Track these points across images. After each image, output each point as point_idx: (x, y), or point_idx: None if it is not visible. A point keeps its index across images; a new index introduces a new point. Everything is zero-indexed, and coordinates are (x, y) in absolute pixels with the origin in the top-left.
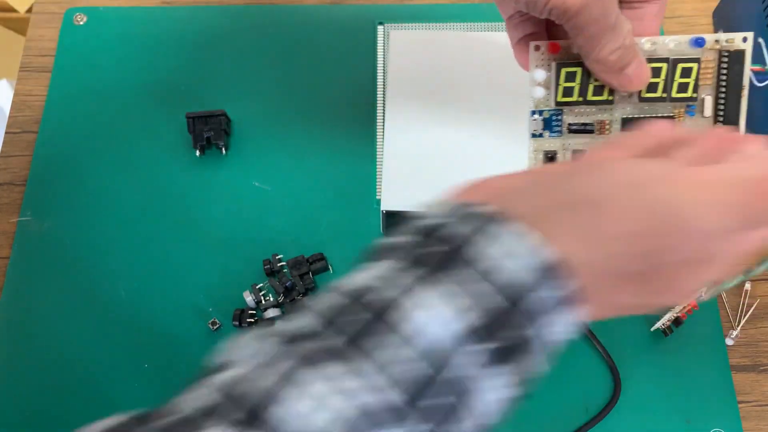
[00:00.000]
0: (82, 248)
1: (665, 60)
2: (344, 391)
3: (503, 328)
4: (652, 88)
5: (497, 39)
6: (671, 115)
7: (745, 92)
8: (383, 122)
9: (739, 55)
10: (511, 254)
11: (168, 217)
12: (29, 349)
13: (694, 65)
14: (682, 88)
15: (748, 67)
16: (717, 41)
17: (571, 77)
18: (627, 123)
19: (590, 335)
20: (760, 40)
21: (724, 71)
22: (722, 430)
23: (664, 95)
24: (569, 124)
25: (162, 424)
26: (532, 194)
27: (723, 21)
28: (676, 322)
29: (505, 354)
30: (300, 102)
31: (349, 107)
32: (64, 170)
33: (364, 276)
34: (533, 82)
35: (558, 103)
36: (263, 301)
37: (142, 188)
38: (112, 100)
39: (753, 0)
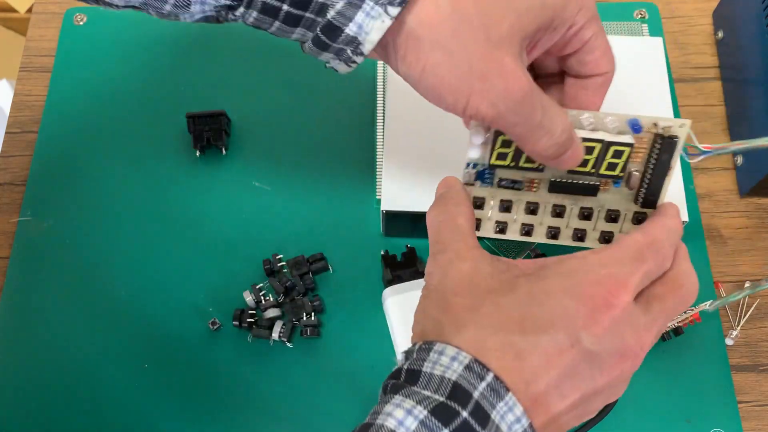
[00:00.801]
0: (82, 248)
1: (600, 141)
2: None
3: None
4: (581, 163)
5: None
6: (597, 183)
7: (672, 173)
8: (383, 122)
9: (673, 142)
10: (511, 415)
11: (168, 217)
12: (29, 349)
13: (627, 149)
14: (611, 166)
15: (679, 152)
16: (655, 125)
17: (506, 144)
18: (554, 185)
19: None
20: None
21: (656, 155)
22: (722, 430)
23: (593, 170)
24: (500, 179)
25: None
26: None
27: (723, 21)
28: (676, 331)
29: None
30: (300, 102)
31: (349, 107)
32: (64, 170)
33: (403, 422)
34: (470, 143)
35: (491, 165)
36: (263, 301)
37: (142, 188)
38: (112, 100)
39: (753, 0)
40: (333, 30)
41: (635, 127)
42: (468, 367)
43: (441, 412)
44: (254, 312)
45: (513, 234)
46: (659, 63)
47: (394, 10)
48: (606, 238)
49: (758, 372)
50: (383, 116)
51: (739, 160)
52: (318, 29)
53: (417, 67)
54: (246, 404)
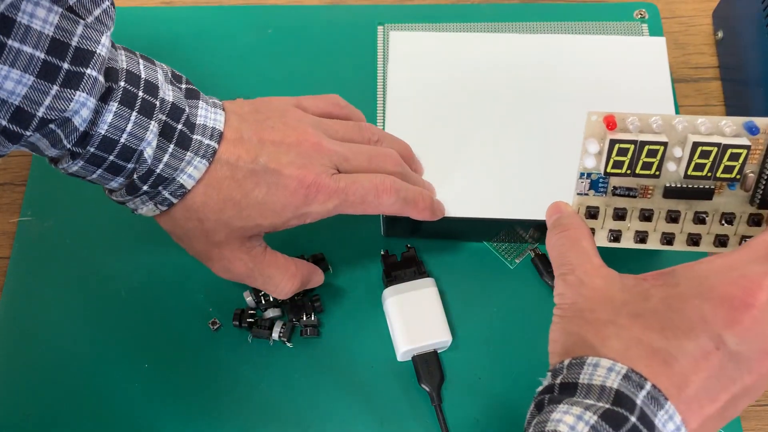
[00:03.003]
0: (83, 248)
1: (716, 145)
2: None
3: None
4: (698, 167)
5: (500, 40)
6: (712, 187)
7: None
8: (383, 124)
9: None
10: (671, 423)
11: None
12: (29, 349)
13: (744, 151)
14: (728, 169)
15: None
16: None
17: (623, 152)
18: (669, 191)
19: None
20: None
21: None
22: (722, 429)
23: (709, 174)
24: (614, 187)
25: None
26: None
27: (723, 21)
28: None
29: None
30: None
31: None
32: None
33: (575, 427)
34: (586, 152)
35: (607, 173)
36: (263, 301)
37: None
38: None
39: (753, 0)
40: (120, 201)
41: (752, 129)
42: (626, 377)
43: (610, 417)
44: (254, 312)
45: (627, 242)
46: (662, 63)
47: (153, 211)
48: (721, 241)
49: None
50: (383, 119)
51: None
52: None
53: (170, 234)
54: (246, 404)
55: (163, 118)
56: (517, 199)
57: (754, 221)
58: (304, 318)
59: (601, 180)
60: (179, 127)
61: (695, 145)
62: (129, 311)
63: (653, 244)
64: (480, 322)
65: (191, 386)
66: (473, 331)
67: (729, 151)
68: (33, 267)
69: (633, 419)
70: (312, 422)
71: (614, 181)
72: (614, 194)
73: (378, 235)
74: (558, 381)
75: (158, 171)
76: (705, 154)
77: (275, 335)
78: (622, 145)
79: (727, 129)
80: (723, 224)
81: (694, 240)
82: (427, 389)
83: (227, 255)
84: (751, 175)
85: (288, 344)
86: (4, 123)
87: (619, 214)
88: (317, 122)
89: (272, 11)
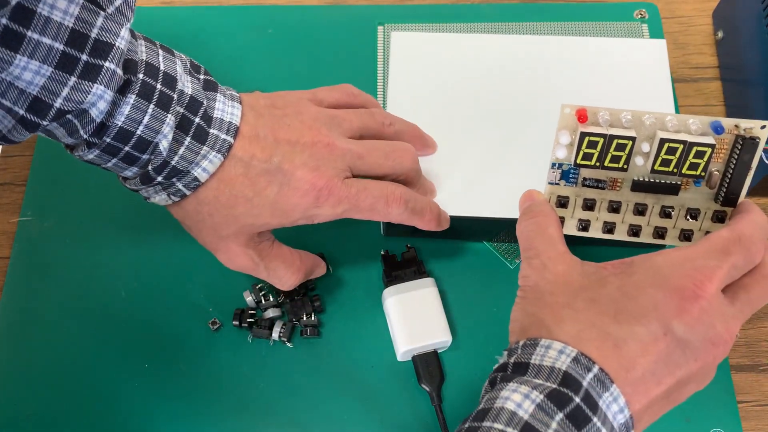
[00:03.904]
0: (83, 248)
1: (682, 142)
2: None
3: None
4: (665, 163)
5: (501, 41)
6: (678, 183)
7: (751, 173)
8: None
9: (754, 143)
10: (615, 405)
11: (168, 217)
12: (29, 350)
13: (708, 150)
14: (693, 166)
15: (760, 152)
16: (736, 126)
17: (593, 145)
18: (637, 185)
19: None
20: None
21: (736, 155)
22: (722, 429)
23: (675, 170)
24: (584, 178)
25: None
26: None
27: (723, 21)
28: None
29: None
30: None
31: None
32: (64, 170)
33: (521, 404)
34: (557, 143)
35: (576, 164)
36: (263, 301)
37: None
38: None
39: (753, 0)
40: (134, 189)
41: (717, 128)
42: (575, 360)
43: (556, 397)
44: (254, 312)
45: (595, 231)
46: (662, 65)
47: (167, 201)
48: (686, 236)
49: (758, 372)
50: None
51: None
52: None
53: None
54: (246, 404)
55: (181, 110)
56: (518, 199)
57: (718, 218)
58: (304, 318)
59: (572, 171)
60: (197, 120)
61: (662, 141)
62: (129, 311)
63: (620, 235)
64: (480, 322)
65: (191, 386)
66: (473, 331)
67: (694, 149)
68: (33, 267)
69: (577, 400)
70: (312, 422)
71: (584, 173)
72: (584, 185)
73: (378, 235)
74: (512, 360)
75: (173, 163)
76: (671, 151)
77: (275, 335)
78: (592, 138)
79: (694, 127)
80: (688, 219)
81: (660, 233)
82: (427, 389)
83: (234, 249)
84: (716, 173)
85: (288, 344)
86: (21, 112)
87: (588, 205)
88: (332, 119)
89: (272, 11)
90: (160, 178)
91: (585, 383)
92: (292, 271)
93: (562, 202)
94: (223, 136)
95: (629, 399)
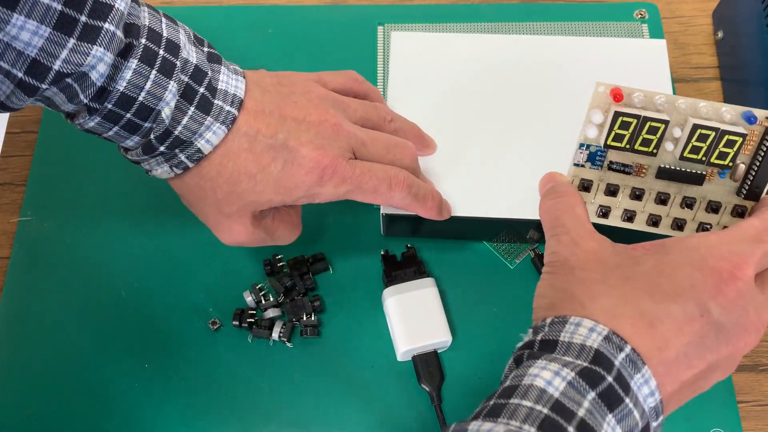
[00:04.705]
0: (82, 248)
1: (714, 129)
2: None
3: None
4: (694, 150)
5: (501, 41)
6: (703, 173)
7: None
8: None
9: None
10: (646, 387)
11: (168, 217)
12: (29, 349)
13: (739, 139)
14: (722, 156)
15: None
16: (767, 118)
17: (625, 126)
18: (663, 172)
19: None
20: None
21: (765, 148)
22: (722, 429)
23: (704, 158)
24: (611, 162)
25: None
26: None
27: (723, 21)
28: None
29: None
30: None
31: None
32: (64, 170)
33: (551, 382)
34: (588, 121)
35: (606, 145)
36: (263, 301)
37: (142, 188)
38: None
39: (753, 0)
40: (135, 161)
41: (750, 119)
42: (607, 338)
43: (587, 375)
44: (254, 312)
45: (614, 220)
46: (662, 66)
47: (169, 174)
48: (704, 229)
49: (758, 372)
50: None
51: None
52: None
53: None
54: (246, 404)
55: (185, 79)
56: (517, 199)
57: (738, 212)
58: (304, 318)
59: (599, 153)
60: (201, 90)
61: (695, 127)
62: (129, 311)
63: (639, 224)
64: (480, 322)
65: (191, 386)
66: (473, 331)
67: (726, 137)
68: (33, 267)
69: (609, 379)
70: (312, 422)
71: (612, 156)
72: (610, 168)
73: (378, 235)
74: (539, 338)
75: (176, 133)
76: (703, 138)
77: (275, 335)
78: (626, 119)
79: (727, 116)
80: (709, 212)
81: (679, 225)
82: (427, 389)
83: (236, 227)
84: (742, 165)
85: (288, 344)
86: (20, 75)
87: (611, 190)
88: (338, 101)
89: (272, 11)
90: (162, 148)
91: (617, 362)
92: (292, 229)
93: (585, 186)
94: (228, 107)
95: (660, 381)
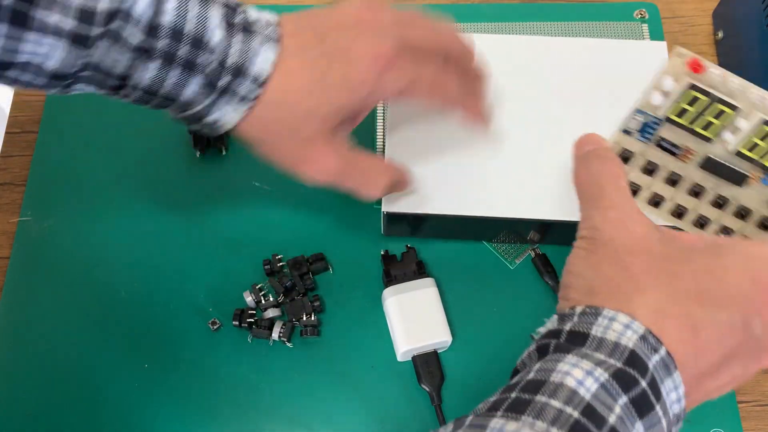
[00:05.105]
0: (82, 248)
1: None
2: None
3: None
4: (752, 147)
5: (501, 41)
6: (748, 174)
7: None
8: (384, 122)
9: None
10: (675, 393)
11: (168, 217)
12: (29, 349)
13: None
14: None
15: None
16: None
17: (693, 102)
18: (708, 162)
19: None
20: None
21: None
22: (722, 430)
23: (757, 158)
24: (661, 138)
25: None
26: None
27: (723, 21)
28: None
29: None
30: None
31: None
32: (64, 170)
33: (583, 382)
34: (656, 87)
35: (667, 118)
36: (263, 301)
37: (142, 188)
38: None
39: (753, 0)
40: (197, 117)
41: None
42: (643, 338)
43: (621, 378)
44: (254, 312)
45: (640, 202)
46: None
47: (236, 116)
48: (725, 233)
49: (758, 372)
50: (384, 117)
51: None
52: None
53: (256, 149)
54: (246, 404)
55: (222, 7)
56: (518, 199)
57: (765, 225)
58: (304, 318)
59: (653, 124)
60: (239, 17)
61: (764, 122)
62: (129, 311)
63: (662, 214)
64: (480, 322)
65: (191, 386)
66: (473, 331)
67: None
68: (33, 267)
69: (644, 384)
70: (312, 422)
71: (664, 131)
72: (658, 145)
73: (378, 235)
74: (567, 328)
75: (231, 60)
76: (767, 137)
77: (275, 335)
78: (697, 94)
79: None
80: (736, 217)
81: (701, 223)
82: (427, 389)
83: (317, 156)
84: None
85: (288, 344)
86: (70, 26)
87: (649, 169)
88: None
89: (272, 11)
90: (223, 80)
91: (651, 366)
92: (382, 171)
93: (625, 157)
94: (267, 31)
95: (688, 390)
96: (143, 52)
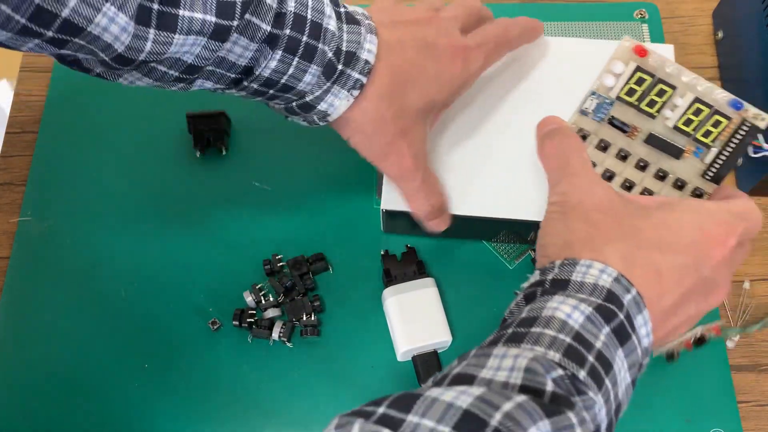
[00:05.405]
0: (82, 248)
1: (710, 106)
2: None
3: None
4: (688, 122)
5: None
6: (683, 148)
7: (739, 160)
8: None
9: (756, 131)
10: (644, 328)
11: (168, 217)
12: (29, 349)
13: (725, 121)
14: (707, 134)
15: (752, 140)
16: (747, 110)
17: (640, 82)
18: (651, 138)
19: None
20: None
21: (740, 136)
22: (722, 430)
23: (691, 132)
24: (612, 117)
25: None
26: (620, 243)
27: (723, 21)
28: (701, 340)
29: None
30: None
31: None
32: (64, 170)
33: (571, 315)
34: (608, 70)
35: (618, 97)
36: (263, 301)
37: (142, 188)
38: (112, 99)
39: (753, 0)
40: (308, 106)
41: (736, 105)
42: (616, 280)
43: (603, 311)
44: (254, 312)
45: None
46: None
47: (345, 103)
48: None
49: (758, 372)
50: None
51: (740, 160)
52: (297, 104)
53: (350, 138)
54: (246, 404)
55: (330, 3)
56: (518, 199)
57: (697, 195)
58: (304, 318)
59: (605, 105)
60: (342, 8)
61: (696, 99)
62: (129, 311)
63: (615, 187)
64: (480, 322)
65: (191, 386)
66: (473, 331)
67: (716, 117)
68: (33, 267)
69: (621, 316)
70: (312, 422)
71: (615, 111)
72: (610, 123)
73: (378, 235)
74: (549, 277)
75: (345, 47)
76: (698, 112)
77: (275, 335)
78: (642, 74)
79: (719, 96)
80: (675, 188)
81: (646, 195)
82: None
83: (404, 150)
84: (714, 149)
85: (288, 344)
86: (212, 20)
87: (603, 146)
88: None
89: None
90: (340, 66)
91: (625, 302)
92: (440, 192)
93: (583, 135)
94: (368, 22)
95: (655, 326)
96: (270, 41)
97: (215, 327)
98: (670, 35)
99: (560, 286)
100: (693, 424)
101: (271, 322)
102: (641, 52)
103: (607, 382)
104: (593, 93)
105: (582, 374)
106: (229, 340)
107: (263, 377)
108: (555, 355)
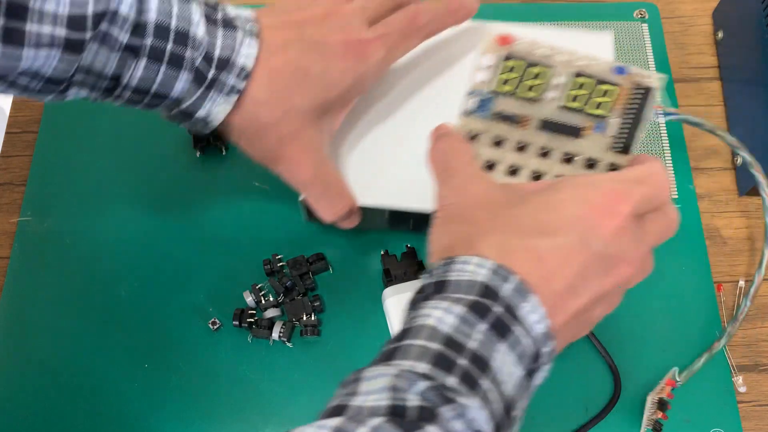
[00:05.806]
0: (82, 248)
1: (592, 77)
2: None
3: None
4: (576, 99)
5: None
6: (582, 126)
7: (645, 125)
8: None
9: (648, 92)
10: (535, 315)
11: (168, 217)
12: (29, 349)
13: (615, 89)
14: (599, 106)
15: (653, 104)
16: (631, 74)
17: (513, 70)
18: (544, 124)
19: (590, 335)
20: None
21: (636, 102)
22: (722, 430)
23: (582, 108)
24: (498, 111)
25: None
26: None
27: (723, 21)
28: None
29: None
30: None
31: None
32: (64, 170)
33: (442, 319)
34: (479, 67)
35: (495, 91)
36: (263, 301)
37: (142, 188)
38: None
39: (753, 0)
40: (187, 114)
41: (620, 70)
42: (494, 271)
43: (476, 308)
44: (254, 312)
45: (499, 174)
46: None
47: (225, 108)
48: None
49: (758, 372)
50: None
51: (739, 159)
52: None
53: (238, 144)
54: (246, 404)
55: (202, 5)
56: (426, 191)
57: (612, 169)
58: (304, 318)
59: (487, 101)
60: (219, 13)
61: (576, 74)
62: (129, 311)
63: (523, 179)
64: None
65: (191, 386)
66: None
67: (603, 87)
68: (33, 267)
69: (497, 309)
70: (312, 422)
71: (499, 104)
72: (498, 118)
73: (378, 235)
74: (432, 281)
75: (217, 53)
76: (582, 86)
77: (275, 335)
78: (513, 62)
79: (599, 68)
80: (587, 169)
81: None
82: None
83: (293, 157)
84: (615, 120)
85: (288, 344)
86: (63, 33)
87: (497, 142)
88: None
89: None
90: (212, 73)
91: (504, 293)
92: (344, 196)
93: (473, 135)
94: (249, 26)
95: (550, 311)
96: (131, 51)
97: (215, 327)
98: (670, 35)
99: (441, 288)
100: (693, 424)
101: (271, 322)
102: (505, 41)
103: (485, 382)
104: (470, 92)
105: (451, 381)
106: (229, 340)
107: (263, 377)
108: (424, 366)
